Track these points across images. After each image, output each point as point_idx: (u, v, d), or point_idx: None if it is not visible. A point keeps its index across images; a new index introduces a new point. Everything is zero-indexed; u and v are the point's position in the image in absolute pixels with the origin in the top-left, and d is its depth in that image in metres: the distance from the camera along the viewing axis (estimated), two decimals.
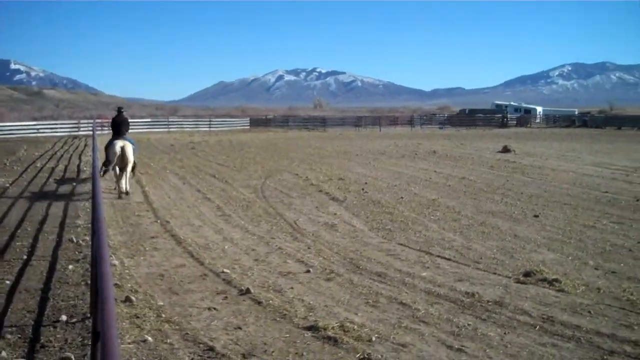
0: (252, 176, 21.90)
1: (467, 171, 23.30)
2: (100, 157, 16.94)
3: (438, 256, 10.67)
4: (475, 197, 17.14)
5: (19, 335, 6.89)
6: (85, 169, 23.82)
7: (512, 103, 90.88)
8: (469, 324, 7.31)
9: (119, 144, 17.40)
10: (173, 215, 14.48)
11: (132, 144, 17.95)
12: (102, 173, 16.42)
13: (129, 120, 20.53)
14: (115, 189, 17.80)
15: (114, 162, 17.32)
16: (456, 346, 6.67)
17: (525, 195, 17.25)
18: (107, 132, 27.22)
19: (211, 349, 6.57)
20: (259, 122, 69.16)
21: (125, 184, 17.55)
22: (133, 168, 18.12)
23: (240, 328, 7.21)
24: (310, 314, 7.67)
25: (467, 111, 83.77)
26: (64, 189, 18.90)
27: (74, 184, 20.00)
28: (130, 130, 19.71)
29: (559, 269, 9.75)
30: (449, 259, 10.47)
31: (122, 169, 17.47)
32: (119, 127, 18.12)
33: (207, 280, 9.21)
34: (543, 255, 10.69)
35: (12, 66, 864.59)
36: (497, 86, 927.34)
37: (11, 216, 14.24)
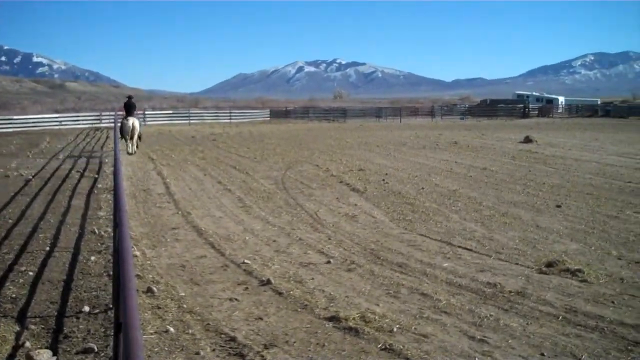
0: (273, 167, 21.92)
1: (489, 162, 23.15)
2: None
3: (459, 247, 10.62)
4: (496, 187, 17.03)
5: (43, 326, 6.95)
6: (107, 160, 23.96)
7: (533, 93, 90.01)
8: (491, 315, 7.27)
9: (130, 120, 26.28)
10: (194, 207, 14.53)
11: (139, 120, 26.43)
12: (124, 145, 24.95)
13: (147, 111, 33.02)
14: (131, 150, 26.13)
15: (128, 133, 25.86)
16: (478, 337, 6.63)
17: (548, 186, 17.11)
18: None
19: (233, 339, 6.59)
20: (279, 114, 69.21)
21: (132, 147, 26.31)
22: (139, 137, 26.98)
23: (261, 319, 7.22)
24: (331, 304, 7.66)
25: (488, 101, 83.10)
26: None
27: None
28: (152, 122, 31.83)
29: (581, 259, 9.65)
30: (470, 250, 10.41)
31: (132, 138, 26.10)
32: (129, 109, 27.43)
33: (228, 271, 9.23)
34: (566, 246, 10.60)
35: (35, 59, 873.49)
36: (519, 76, 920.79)
37: (34, 208, 14.36)
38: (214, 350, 6.35)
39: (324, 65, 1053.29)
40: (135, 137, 26.31)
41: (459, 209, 14.09)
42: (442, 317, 7.22)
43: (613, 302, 7.66)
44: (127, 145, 25.97)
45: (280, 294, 8.10)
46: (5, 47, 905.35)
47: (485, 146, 29.99)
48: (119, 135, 23.35)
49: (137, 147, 26.77)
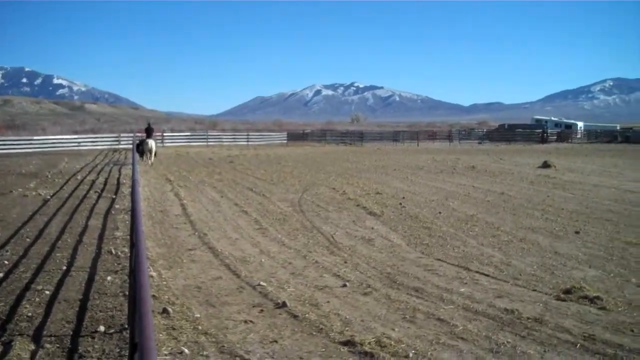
0: (290, 190, 21.95)
1: (507, 186, 23.03)
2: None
3: (477, 272, 10.54)
4: (514, 212, 16.92)
5: (58, 345, 6.96)
6: (124, 181, 24.10)
7: (552, 118, 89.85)
8: (508, 342, 7.19)
9: (149, 141, 33.67)
10: (211, 228, 14.55)
11: (155, 141, 35.45)
12: (140, 159, 31.40)
13: (165, 132, 46.11)
14: (146, 164, 32.01)
15: (146, 152, 33.02)
16: None
17: (566, 212, 16.98)
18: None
19: None
20: (296, 137, 69.36)
21: (150, 161, 32.99)
22: (155, 154, 33.96)
23: (276, 342, 7.19)
24: (347, 328, 7.61)
25: (506, 126, 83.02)
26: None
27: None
28: (170, 143, 41.16)
29: (600, 286, 9.55)
30: (487, 275, 10.33)
31: (149, 154, 33.14)
32: (148, 132, 35.42)
33: (244, 293, 9.21)
34: (584, 272, 10.49)
35: (55, 81, 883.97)
36: (537, 101, 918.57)
37: (52, 227, 14.44)
38: None
39: (342, 88, 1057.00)
40: (152, 154, 33.65)
41: (477, 233, 14.01)
42: (459, 343, 7.15)
43: (632, 330, 7.56)
44: (144, 159, 32.93)
45: (295, 317, 8.06)
46: (27, 69, 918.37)
47: (503, 171, 29.87)
48: (137, 153, 28.81)
49: (152, 160, 33.54)
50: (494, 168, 31.75)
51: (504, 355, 6.80)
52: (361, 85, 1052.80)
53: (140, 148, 32.82)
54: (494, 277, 10.19)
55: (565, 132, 73.22)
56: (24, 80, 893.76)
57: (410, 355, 6.75)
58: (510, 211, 17.14)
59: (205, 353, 6.78)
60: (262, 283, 9.66)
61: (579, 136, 73.86)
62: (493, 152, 48.87)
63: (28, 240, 12.94)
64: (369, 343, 7.02)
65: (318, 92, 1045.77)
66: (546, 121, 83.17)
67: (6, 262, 10.93)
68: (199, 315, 8.08)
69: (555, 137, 70.25)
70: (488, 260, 11.42)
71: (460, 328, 7.64)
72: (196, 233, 13.97)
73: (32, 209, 17.03)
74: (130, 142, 44.80)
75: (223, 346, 7.00)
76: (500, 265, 11.03)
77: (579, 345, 7.07)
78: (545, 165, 31.78)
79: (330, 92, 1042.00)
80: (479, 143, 67.41)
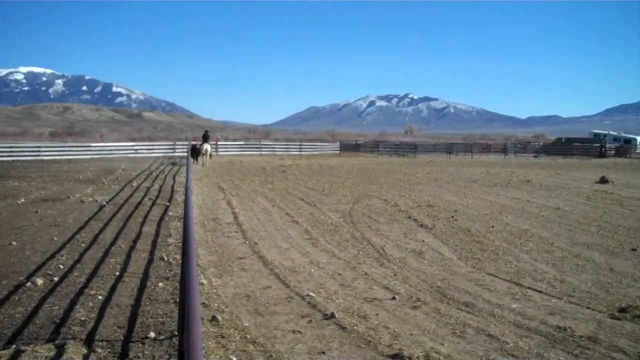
0: (341, 201, 21.94)
1: (562, 201, 22.59)
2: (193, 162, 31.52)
3: (529, 288, 10.35)
4: (570, 228, 16.59)
5: (109, 350, 7.07)
6: (178, 189, 24.44)
7: (611, 132, 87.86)
8: None
9: (205, 145, 40.78)
10: (261, 237, 14.64)
11: (211, 146, 43.47)
12: (194, 161, 38.30)
13: (220, 142, 55.51)
14: (202, 164, 39.42)
15: (202, 153, 40.27)
16: None
17: (623, 228, 16.57)
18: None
19: None
20: (349, 147, 69.44)
21: (206, 162, 39.95)
22: (210, 156, 41.65)
23: (324, 353, 7.17)
24: (395, 341, 7.56)
25: (563, 140, 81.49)
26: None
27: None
28: (224, 152, 48.11)
29: None
30: (540, 292, 10.13)
31: (205, 156, 40.29)
32: (205, 138, 42.06)
33: (293, 303, 9.23)
34: None
35: (114, 89, 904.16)
36: (596, 115, 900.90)
37: (106, 233, 14.72)
38: None
39: (396, 99, 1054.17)
40: (207, 156, 40.76)
41: (530, 249, 13.77)
42: None
43: None
44: (199, 161, 40.18)
45: (343, 328, 8.03)
46: (87, 77, 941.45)
47: (559, 185, 29.31)
48: (192, 157, 36.49)
49: (208, 163, 40.46)
50: (550, 182, 31.18)
51: None
52: (415, 97, 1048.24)
53: (196, 151, 40.18)
54: (546, 294, 9.99)
55: (624, 147, 71.51)
56: (84, 88, 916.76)
57: None
58: (565, 227, 16.81)
59: None
60: (311, 293, 9.67)
61: (638, 151, 72.11)
62: (549, 166, 48.03)
63: (83, 245, 13.21)
64: (418, 357, 6.95)
65: (372, 102, 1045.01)
66: (605, 135, 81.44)
67: (61, 266, 11.18)
68: (247, 324, 8.12)
69: (613, 151, 68.67)
70: (541, 276, 11.21)
71: (511, 345, 7.51)
72: (247, 242, 14.07)
73: (88, 215, 17.41)
74: (185, 150, 45.80)
75: (271, 355, 7.01)
76: (553, 281, 10.82)
77: None
78: (603, 180, 31.06)
79: (384, 103, 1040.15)
80: (535, 157, 66.29)
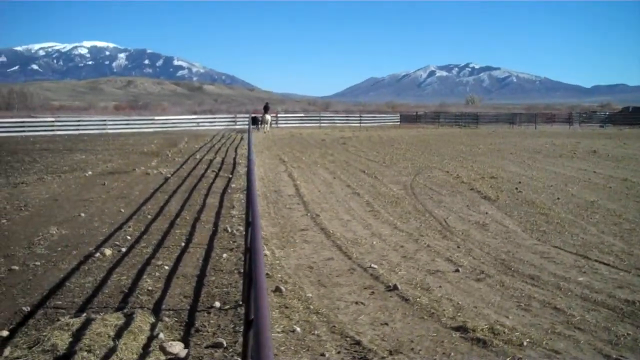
0: (402, 172, 21.82)
1: (630, 172, 21.97)
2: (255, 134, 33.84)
3: (596, 261, 10.12)
4: (638, 200, 16.13)
5: (176, 319, 7.23)
6: (240, 161, 24.68)
7: None
8: (628, 334, 6.88)
9: (266, 116, 47.95)
10: (323, 209, 14.69)
11: (271, 117, 49.23)
12: (255, 128, 45.40)
13: (280, 113, 61.18)
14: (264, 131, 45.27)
15: (263, 122, 47.33)
16: (614, 356, 6.29)
17: None
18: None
19: (358, 343, 6.58)
20: (409, 119, 68.87)
21: (266, 130, 46.32)
22: (270, 124, 48.07)
23: (387, 324, 7.18)
24: (459, 314, 7.51)
25: (630, 109, 78.96)
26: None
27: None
28: (284, 124, 51.05)
29: None
30: (607, 264, 9.90)
31: (266, 125, 47.20)
32: (265, 109, 48.98)
33: (355, 275, 9.25)
34: None
35: (175, 62, 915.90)
36: None
37: (171, 204, 14.99)
38: (338, 352, 6.37)
39: (457, 69, 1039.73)
40: (268, 125, 47.93)
41: (597, 221, 13.45)
42: (576, 334, 6.90)
43: None
44: (260, 128, 47.48)
45: (406, 300, 8.02)
46: (149, 51, 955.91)
47: (626, 156, 28.50)
48: (252, 124, 42.80)
49: (269, 131, 46.34)
50: (617, 153, 30.33)
51: (623, 348, 6.52)
52: (477, 66, 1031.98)
53: (257, 120, 48.30)
54: (614, 267, 9.76)
55: None
56: (146, 61, 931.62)
57: (525, 343, 6.57)
58: (633, 198, 16.35)
59: (316, 332, 6.86)
60: (373, 265, 9.67)
61: None
62: (616, 136, 46.71)
63: (149, 216, 13.50)
64: (482, 330, 6.89)
65: (432, 73, 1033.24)
66: None
67: (129, 237, 11.45)
68: (310, 295, 8.18)
69: None
70: (608, 249, 10.95)
71: (578, 318, 7.37)
72: (309, 214, 14.14)
73: (154, 187, 17.75)
74: (246, 123, 46.51)
75: (334, 326, 7.05)
76: (621, 254, 10.55)
77: None
78: None
79: (444, 73, 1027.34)
80: (601, 127, 64.51)
